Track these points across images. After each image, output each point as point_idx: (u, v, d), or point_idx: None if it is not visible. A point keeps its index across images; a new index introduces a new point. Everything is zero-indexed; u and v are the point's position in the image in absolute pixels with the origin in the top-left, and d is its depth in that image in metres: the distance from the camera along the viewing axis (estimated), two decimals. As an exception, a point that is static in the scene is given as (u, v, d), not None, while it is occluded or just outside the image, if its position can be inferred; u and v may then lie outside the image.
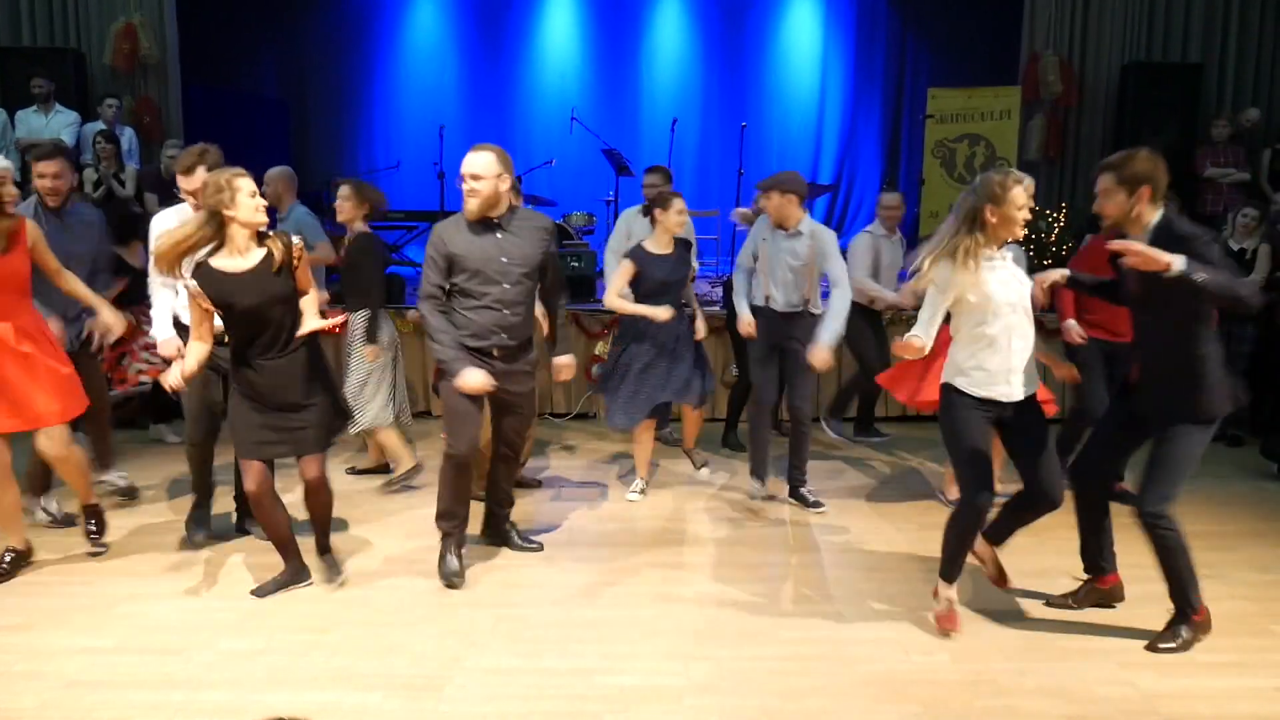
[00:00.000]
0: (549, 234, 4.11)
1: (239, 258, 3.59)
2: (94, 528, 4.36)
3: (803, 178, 5.07)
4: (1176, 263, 3.07)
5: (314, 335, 3.81)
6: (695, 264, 5.57)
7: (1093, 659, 3.46)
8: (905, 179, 11.02)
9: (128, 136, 8.03)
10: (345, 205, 5.14)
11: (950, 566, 3.67)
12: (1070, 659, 3.46)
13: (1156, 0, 8.87)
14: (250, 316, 3.61)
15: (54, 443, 4.04)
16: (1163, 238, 3.26)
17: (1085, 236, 5.74)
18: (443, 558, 4.07)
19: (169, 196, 6.78)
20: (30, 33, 8.76)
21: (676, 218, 4.95)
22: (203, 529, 4.53)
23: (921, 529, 4.78)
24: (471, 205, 3.88)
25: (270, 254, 3.61)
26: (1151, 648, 3.53)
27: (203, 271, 3.57)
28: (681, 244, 5.07)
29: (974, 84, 9.01)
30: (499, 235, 3.95)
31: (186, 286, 3.59)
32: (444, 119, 9.95)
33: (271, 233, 3.67)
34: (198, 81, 9.43)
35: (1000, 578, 3.91)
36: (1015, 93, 8.61)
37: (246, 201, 3.52)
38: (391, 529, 4.74)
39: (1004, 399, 3.50)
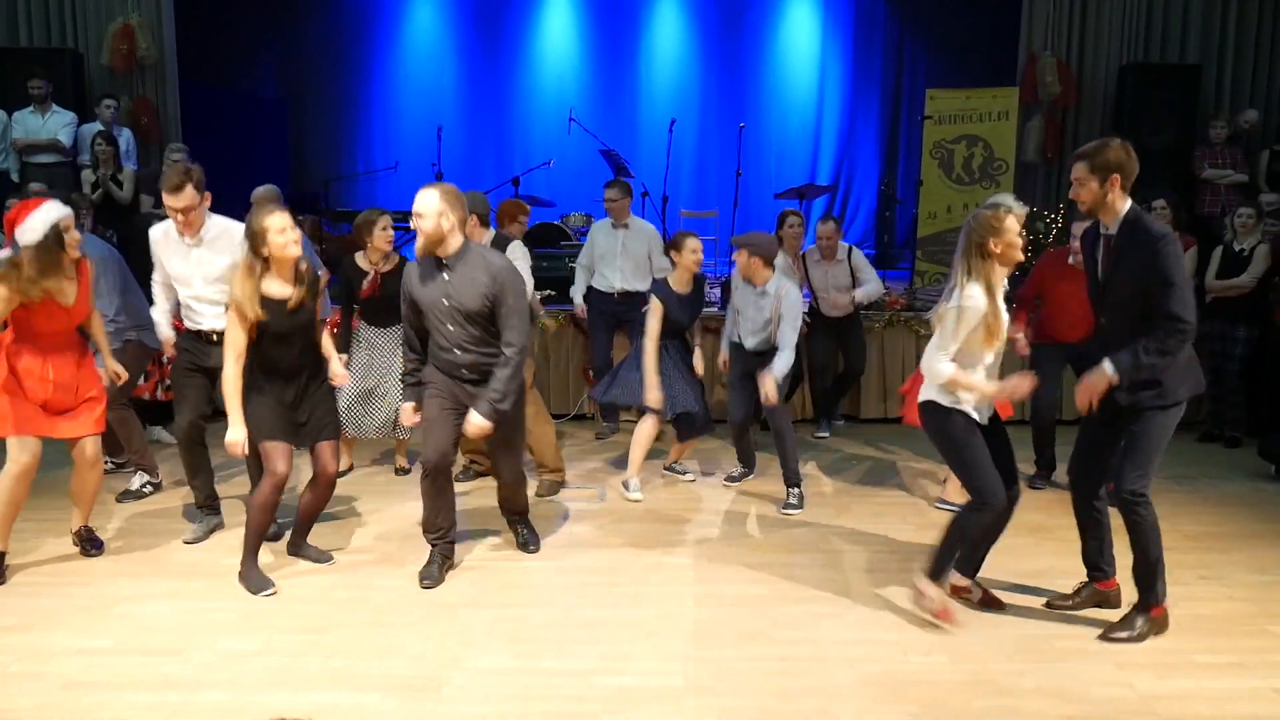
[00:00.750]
0: (491, 278, 3.87)
1: (279, 284, 3.92)
2: (89, 545, 4.37)
3: (774, 240, 5.31)
4: (1112, 374, 3.36)
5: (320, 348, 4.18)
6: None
7: (1091, 659, 3.46)
8: (903, 180, 11.03)
9: (125, 137, 8.00)
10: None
11: (942, 566, 3.69)
12: (1069, 659, 3.46)
13: (1155, 1, 8.86)
14: (277, 338, 3.93)
15: (85, 454, 4.18)
16: (1129, 230, 3.43)
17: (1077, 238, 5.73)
18: (426, 563, 4.15)
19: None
20: (28, 33, 8.74)
21: (691, 256, 5.07)
22: (208, 517, 4.66)
23: (919, 529, 4.78)
24: (418, 243, 3.94)
25: (298, 293, 3.95)
26: (1105, 637, 3.58)
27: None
28: (698, 280, 5.19)
29: (972, 85, 9.01)
30: (446, 277, 3.93)
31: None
32: (442, 119, 9.97)
33: (303, 265, 3.99)
34: (196, 82, 9.42)
35: (989, 600, 3.88)
36: (1013, 94, 8.60)
37: (277, 239, 3.86)
38: (390, 530, 4.74)
39: (979, 419, 3.62)
